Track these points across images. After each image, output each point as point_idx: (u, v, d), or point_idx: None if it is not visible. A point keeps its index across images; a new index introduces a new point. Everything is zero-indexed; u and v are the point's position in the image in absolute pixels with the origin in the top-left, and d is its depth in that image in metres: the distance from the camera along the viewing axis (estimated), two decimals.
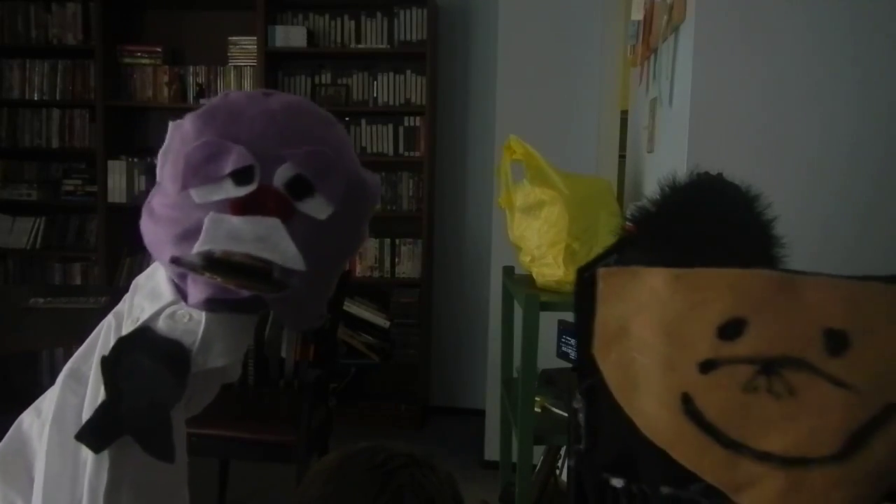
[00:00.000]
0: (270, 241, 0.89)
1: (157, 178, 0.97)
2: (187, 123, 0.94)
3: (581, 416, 0.96)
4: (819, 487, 0.77)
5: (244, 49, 3.83)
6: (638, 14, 2.45)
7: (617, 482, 0.92)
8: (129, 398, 0.93)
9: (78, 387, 0.97)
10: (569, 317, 2.17)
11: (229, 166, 0.90)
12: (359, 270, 3.84)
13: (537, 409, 2.10)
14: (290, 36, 3.73)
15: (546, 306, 1.91)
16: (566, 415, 1.96)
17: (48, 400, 1.00)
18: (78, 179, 3.96)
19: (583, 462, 0.97)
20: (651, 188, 1.09)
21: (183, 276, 0.95)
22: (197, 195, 0.91)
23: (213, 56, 3.87)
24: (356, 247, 1.05)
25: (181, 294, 0.96)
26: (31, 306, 2.67)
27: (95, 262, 3.92)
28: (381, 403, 3.83)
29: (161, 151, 0.96)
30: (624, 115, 3.04)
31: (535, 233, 2.09)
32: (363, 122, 3.85)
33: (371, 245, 3.85)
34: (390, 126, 3.83)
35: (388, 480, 0.87)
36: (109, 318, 1.00)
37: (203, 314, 0.95)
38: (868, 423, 0.78)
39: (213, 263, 0.88)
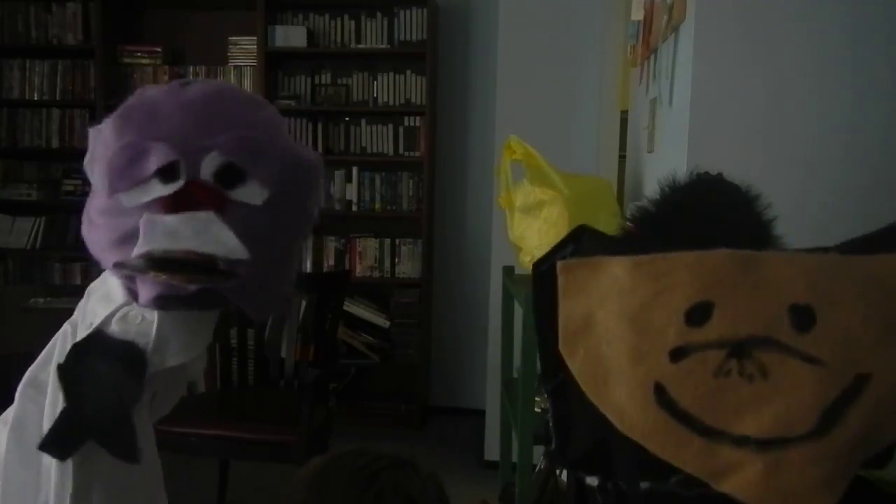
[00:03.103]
0: (209, 234, 0.87)
1: (92, 187, 0.95)
2: (106, 128, 0.92)
3: (549, 416, 0.94)
4: (797, 466, 0.76)
5: (244, 49, 3.83)
6: (638, 14, 2.45)
7: (592, 480, 0.91)
8: (89, 403, 0.92)
9: (37, 395, 0.96)
10: None
11: (153, 165, 0.88)
12: (359, 270, 3.84)
13: (537, 409, 2.09)
14: (290, 36, 3.73)
15: None
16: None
17: (11, 410, 0.98)
18: (78, 179, 3.96)
19: (555, 462, 0.97)
20: (651, 188, 1.09)
21: (131, 279, 0.93)
22: (126, 199, 0.89)
23: (213, 56, 3.87)
24: (306, 227, 1.02)
25: (133, 296, 0.95)
26: (31, 306, 2.67)
27: (95, 263, 3.90)
28: (381, 403, 3.83)
29: (86, 160, 0.95)
30: (624, 115, 3.04)
31: (536, 233, 2.09)
32: (363, 122, 3.85)
33: (371, 245, 3.85)
34: (390, 126, 3.83)
35: (369, 483, 0.87)
36: (65, 326, 0.99)
37: (155, 313, 0.93)
38: (840, 396, 0.77)
39: (156, 262, 0.87)
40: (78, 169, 3.99)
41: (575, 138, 3.13)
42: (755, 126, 1.66)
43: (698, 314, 0.82)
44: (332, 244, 3.88)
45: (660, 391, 0.82)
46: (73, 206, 3.96)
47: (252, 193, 0.91)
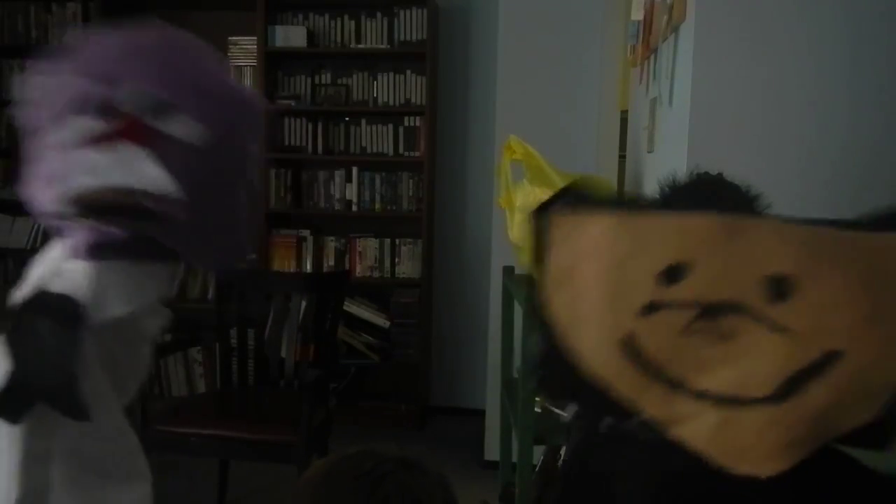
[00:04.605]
0: (129, 167, 0.85)
1: (24, 137, 0.94)
2: (39, 70, 0.91)
3: (539, 349, 1.00)
4: (753, 426, 0.79)
5: (244, 49, 3.83)
6: (638, 14, 2.45)
7: (566, 413, 0.99)
8: (31, 362, 0.90)
9: None
10: None
11: (79, 101, 0.86)
12: (359, 270, 3.84)
13: (537, 409, 2.09)
14: (290, 36, 3.73)
15: None
16: (565, 415, 1.96)
17: None
18: None
19: (540, 391, 1.02)
20: (651, 188, 1.10)
21: (62, 231, 0.91)
22: (54, 137, 0.88)
23: None
24: (246, 168, 0.99)
25: (72, 253, 0.93)
26: None
27: None
28: (381, 403, 3.83)
29: (18, 107, 0.94)
30: (624, 115, 3.04)
31: None
32: (363, 122, 3.85)
33: (371, 245, 3.85)
34: (390, 126, 3.83)
35: (375, 488, 0.86)
36: (15, 295, 0.97)
37: (91, 265, 0.91)
38: (806, 367, 0.79)
39: (78, 206, 0.84)
40: None
41: (575, 138, 3.13)
42: (755, 126, 1.66)
43: (674, 273, 0.86)
44: (332, 244, 3.88)
45: (628, 340, 0.86)
46: None
47: (183, 128, 0.88)
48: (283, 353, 2.78)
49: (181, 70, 0.90)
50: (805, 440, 0.78)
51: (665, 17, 1.98)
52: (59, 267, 0.93)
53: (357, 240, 3.86)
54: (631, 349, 0.86)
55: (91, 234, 0.88)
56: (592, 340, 0.89)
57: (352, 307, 3.78)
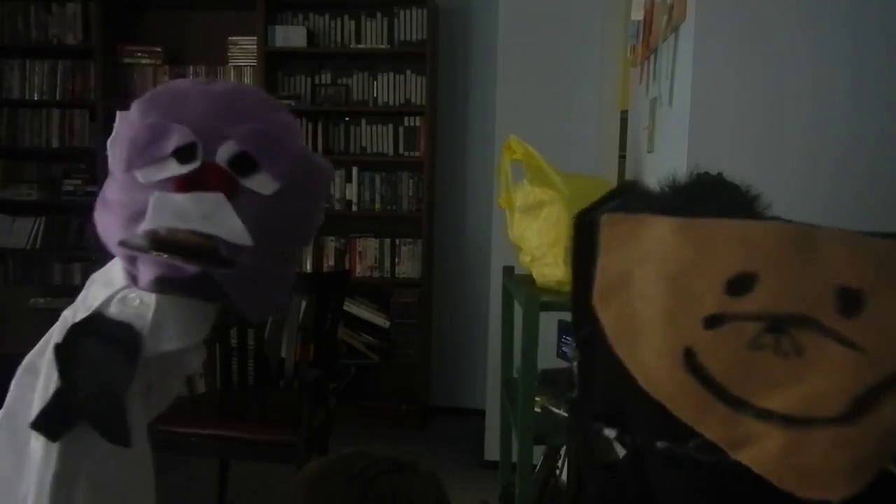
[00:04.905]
0: (215, 216, 0.90)
1: (110, 169, 0.99)
2: (132, 109, 0.97)
3: (576, 364, 0.94)
4: (821, 447, 0.74)
5: (244, 49, 3.83)
6: (638, 14, 2.45)
7: (610, 432, 0.90)
8: (83, 383, 0.92)
9: (33, 381, 0.96)
10: (569, 316, 2.17)
11: (172, 145, 0.92)
12: (359, 270, 3.84)
13: (537, 409, 2.09)
14: (290, 36, 3.73)
15: (546, 306, 1.91)
16: (566, 415, 1.96)
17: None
18: (78, 179, 3.96)
19: (575, 410, 0.95)
20: (651, 188, 1.09)
21: (133, 260, 0.95)
22: (142, 176, 0.93)
23: (213, 56, 3.87)
24: (309, 230, 1.05)
25: (133, 280, 0.96)
26: (31, 306, 2.67)
27: (95, 262, 3.87)
28: (381, 403, 3.83)
29: (109, 141, 0.99)
30: (624, 115, 3.04)
31: (536, 233, 2.09)
32: (363, 122, 3.85)
33: (371, 245, 3.85)
34: (390, 126, 3.83)
35: (368, 489, 0.87)
36: (65, 312, 1.00)
37: (153, 297, 0.95)
38: (877, 385, 0.75)
39: (159, 242, 0.88)
40: (78, 169, 4.00)
41: (575, 138, 3.13)
42: (755, 126, 1.66)
43: (740, 284, 0.81)
44: (332, 244, 3.88)
45: (689, 355, 0.80)
46: (73, 206, 3.97)
47: (262, 184, 0.93)
48: (283, 353, 2.78)
49: (271, 131, 0.97)
50: (875, 462, 0.74)
51: (665, 17, 1.98)
52: (122, 294, 0.96)
53: (357, 240, 3.86)
54: (692, 364, 0.80)
55: (161, 268, 0.92)
56: (650, 355, 0.83)
57: (352, 307, 3.79)
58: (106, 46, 3.82)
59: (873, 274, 0.80)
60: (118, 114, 0.99)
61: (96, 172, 3.85)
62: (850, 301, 0.78)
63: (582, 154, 3.07)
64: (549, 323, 2.12)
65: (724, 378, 0.78)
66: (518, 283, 2.18)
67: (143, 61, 3.90)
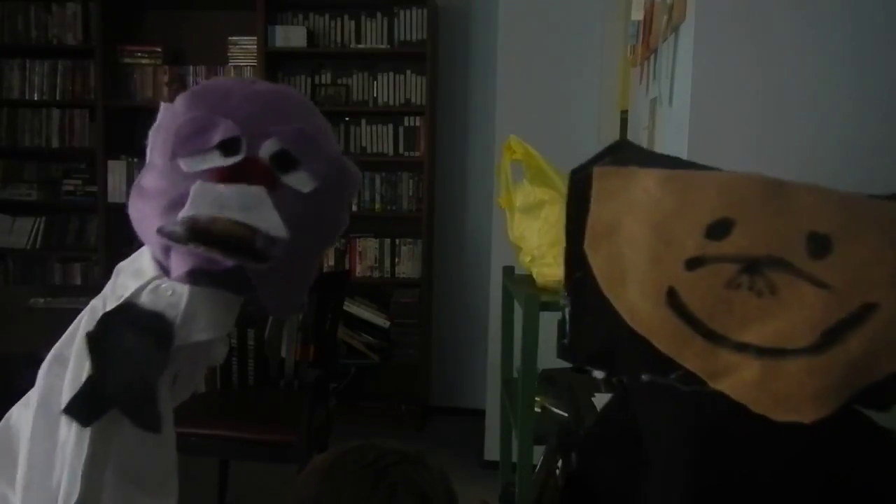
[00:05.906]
0: (255, 209, 0.92)
1: (147, 159, 1.01)
2: (178, 101, 0.99)
3: (567, 309, 1.01)
4: (794, 375, 0.80)
5: (244, 49, 3.83)
6: (638, 14, 2.45)
7: (598, 374, 0.98)
8: (115, 371, 0.94)
9: (62, 371, 0.98)
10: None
11: (217, 137, 0.94)
12: (359, 270, 3.84)
13: (537, 409, 2.09)
14: (290, 36, 3.73)
15: (546, 306, 1.91)
16: (566, 415, 1.96)
17: (35, 389, 1.00)
18: (78, 179, 3.96)
19: (565, 354, 1.00)
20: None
21: (167, 250, 0.96)
22: (185, 164, 0.95)
23: (213, 56, 3.87)
24: (336, 231, 1.08)
25: (164, 270, 0.97)
26: (31, 306, 2.67)
27: (95, 262, 3.92)
28: (381, 403, 3.83)
29: (152, 130, 1.01)
30: (624, 115, 3.03)
31: (535, 233, 2.09)
32: (363, 122, 3.85)
33: (371, 245, 3.85)
34: (390, 126, 3.83)
35: (380, 478, 0.88)
36: (94, 301, 1.01)
37: (186, 288, 0.96)
38: (844, 319, 0.82)
39: (196, 233, 0.90)
40: (78, 169, 4.00)
41: (575, 138, 3.12)
42: (755, 126, 1.66)
43: (719, 229, 0.87)
44: None
45: (672, 294, 0.87)
46: (74, 206, 3.97)
47: (302, 181, 0.96)
48: (283, 353, 2.78)
49: (311, 132, 1.01)
50: (843, 388, 0.80)
51: (665, 17, 1.98)
52: (154, 284, 0.98)
53: (357, 240, 3.86)
54: (674, 303, 0.86)
55: (196, 259, 0.94)
56: (635, 294, 0.89)
57: (352, 307, 3.78)
58: (106, 46, 3.81)
59: (840, 221, 0.87)
60: (162, 105, 1.01)
61: (96, 172, 3.86)
62: (819, 245, 0.85)
63: (582, 154, 3.03)
64: (549, 323, 2.11)
65: (703, 314, 0.85)
66: (518, 283, 2.18)
67: (143, 61, 3.89)
